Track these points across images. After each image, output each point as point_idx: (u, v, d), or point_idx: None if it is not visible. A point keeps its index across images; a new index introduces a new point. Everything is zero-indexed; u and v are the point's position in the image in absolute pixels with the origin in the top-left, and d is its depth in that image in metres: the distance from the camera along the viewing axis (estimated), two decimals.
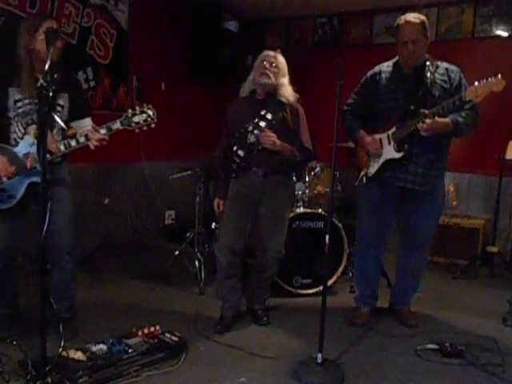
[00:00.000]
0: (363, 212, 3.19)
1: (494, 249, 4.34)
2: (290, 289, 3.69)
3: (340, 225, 3.76)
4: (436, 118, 2.72)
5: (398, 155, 2.90)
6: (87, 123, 2.77)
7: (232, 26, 5.37)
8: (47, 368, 2.17)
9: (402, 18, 2.87)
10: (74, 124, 2.77)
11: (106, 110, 4.43)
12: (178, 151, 5.15)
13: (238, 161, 2.98)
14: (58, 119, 2.60)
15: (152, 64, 4.88)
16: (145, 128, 2.59)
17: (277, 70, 2.96)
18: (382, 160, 2.99)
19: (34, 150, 2.54)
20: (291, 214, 3.50)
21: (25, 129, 2.64)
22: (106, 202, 4.55)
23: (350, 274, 3.95)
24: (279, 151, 2.93)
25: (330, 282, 3.68)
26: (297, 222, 3.69)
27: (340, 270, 3.79)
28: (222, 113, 3.20)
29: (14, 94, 2.60)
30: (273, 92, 2.99)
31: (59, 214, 2.62)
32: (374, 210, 3.11)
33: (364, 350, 2.85)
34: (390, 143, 2.93)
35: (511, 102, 4.27)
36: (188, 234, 4.17)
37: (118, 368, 2.39)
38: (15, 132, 2.64)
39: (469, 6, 4.83)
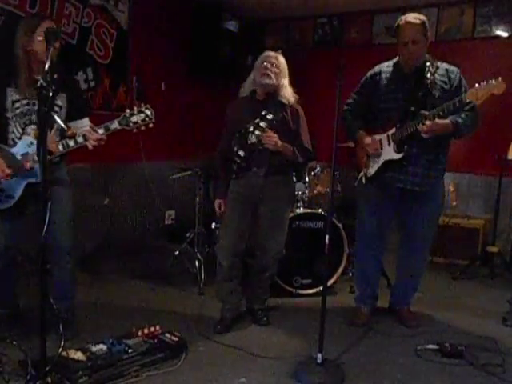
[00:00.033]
0: (363, 212, 3.19)
1: (494, 249, 4.34)
2: (290, 289, 3.69)
3: (340, 225, 3.76)
4: (436, 120, 2.72)
5: (397, 156, 2.90)
6: (85, 123, 2.77)
7: (232, 25, 5.37)
8: (47, 368, 2.16)
9: (403, 18, 2.87)
10: (72, 124, 2.76)
11: (106, 110, 4.42)
12: (178, 151, 5.16)
13: (238, 161, 2.98)
14: (58, 119, 2.59)
15: (152, 64, 4.88)
16: (143, 128, 2.59)
17: (278, 71, 2.96)
18: (381, 161, 2.99)
19: (31, 150, 2.54)
20: (291, 214, 3.50)
21: (23, 129, 2.63)
22: (105, 202, 4.55)
23: (350, 274, 3.95)
24: (280, 152, 2.93)
25: (330, 282, 3.68)
26: (297, 222, 3.69)
27: (340, 270, 3.80)
28: (222, 113, 3.20)
29: (11, 95, 2.60)
30: (273, 93, 2.99)
31: (59, 213, 2.61)
32: (373, 211, 3.12)
33: (364, 349, 2.85)
34: (389, 144, 2.93)
35: (511, 103, 4.27)
36: (188, 234, 4.17)
37: (118, 368, 2.39)
38: (13, 132, 2.63)
39: (469, 6, 4.84)
